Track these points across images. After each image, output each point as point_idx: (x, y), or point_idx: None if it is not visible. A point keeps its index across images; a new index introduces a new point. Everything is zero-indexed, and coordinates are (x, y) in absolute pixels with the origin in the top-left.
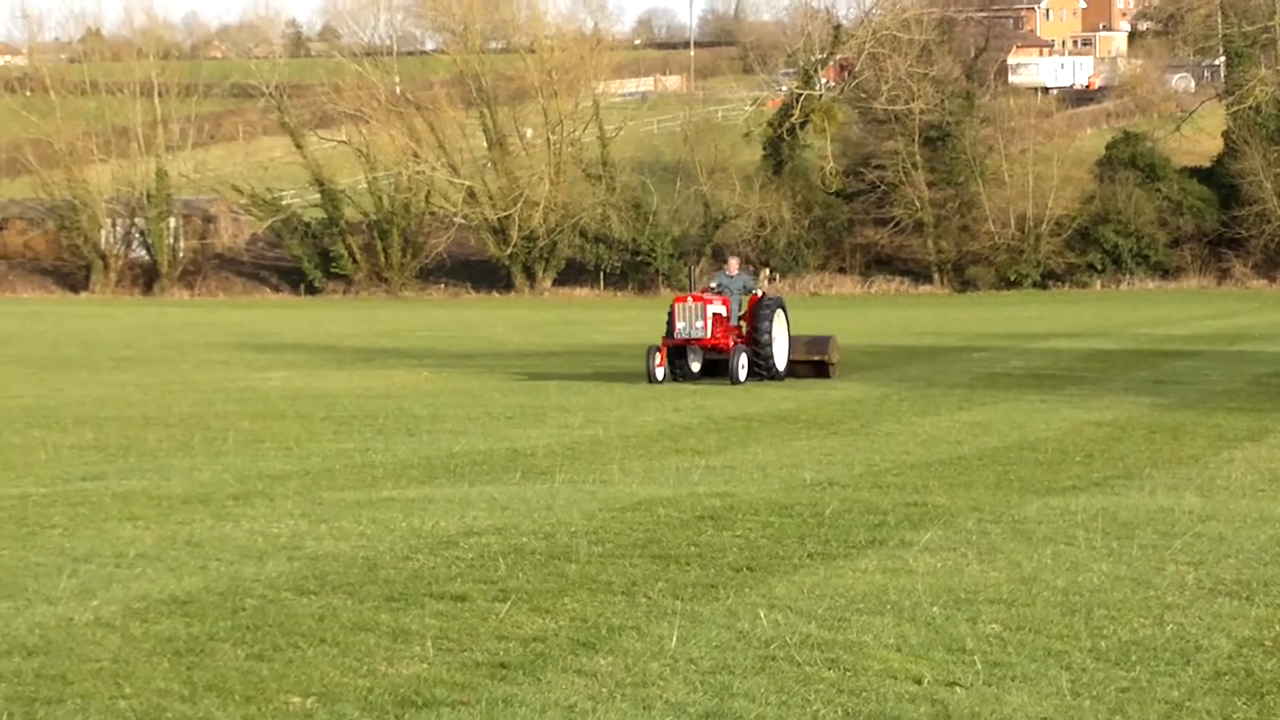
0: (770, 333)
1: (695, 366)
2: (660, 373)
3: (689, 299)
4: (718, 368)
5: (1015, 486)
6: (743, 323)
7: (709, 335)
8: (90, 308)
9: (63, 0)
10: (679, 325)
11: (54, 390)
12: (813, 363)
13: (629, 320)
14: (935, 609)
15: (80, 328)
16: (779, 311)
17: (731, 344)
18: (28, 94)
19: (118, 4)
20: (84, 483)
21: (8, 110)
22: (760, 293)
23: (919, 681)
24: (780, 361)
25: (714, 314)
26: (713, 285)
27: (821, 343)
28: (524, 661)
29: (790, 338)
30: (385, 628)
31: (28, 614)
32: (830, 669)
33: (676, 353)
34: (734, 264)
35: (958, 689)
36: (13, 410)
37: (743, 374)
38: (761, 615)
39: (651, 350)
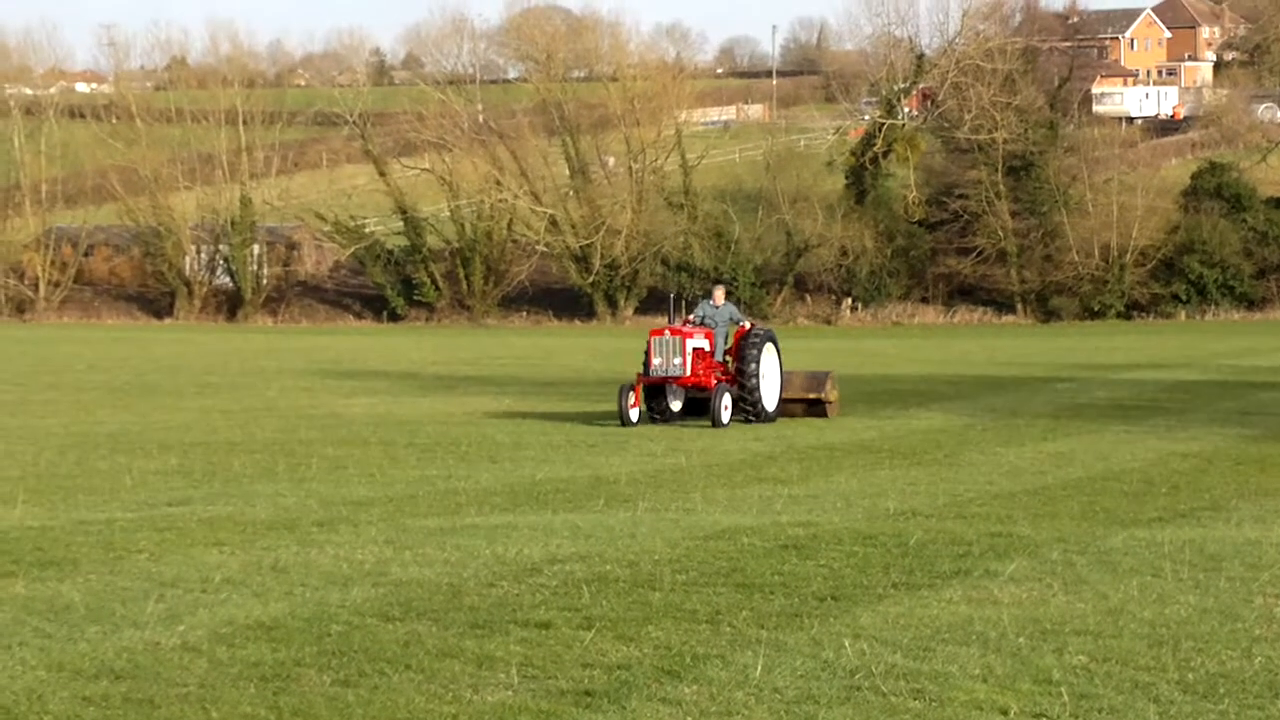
0: (758, 370)
1: (676, 406)
2: (635, 414)
3: (666, 332)
4: (702, 406)
5: (1101, 518)
6: (729, 358)
7: (688, 373)
8: (174, 334)
9: (149, 29)
10: (655, 361)
11: (139, 416)
12: (808, 401)
13: None
14: (1021, 640)
15: (165, 354)
16: (769, 345)
17: (714, 382)
18: (114, 121)
19: (203, 32)
20: (170, 508)
21: (94, 137)
22: (748, 324)
23: (1005, 713)
24: (770, 401)
25: (695, 349)
26: (691, 318)
27: (818, 379)
28: (609, 689)
29: (783, 374)
30: (470, 655)
31: (115, 638)
32: (916, 699)
33: (655, 391)
34: (719, 293)
35: None
36: (98, 436)
37: (726, 415)
38: (846, 645)
39: (624, 389)
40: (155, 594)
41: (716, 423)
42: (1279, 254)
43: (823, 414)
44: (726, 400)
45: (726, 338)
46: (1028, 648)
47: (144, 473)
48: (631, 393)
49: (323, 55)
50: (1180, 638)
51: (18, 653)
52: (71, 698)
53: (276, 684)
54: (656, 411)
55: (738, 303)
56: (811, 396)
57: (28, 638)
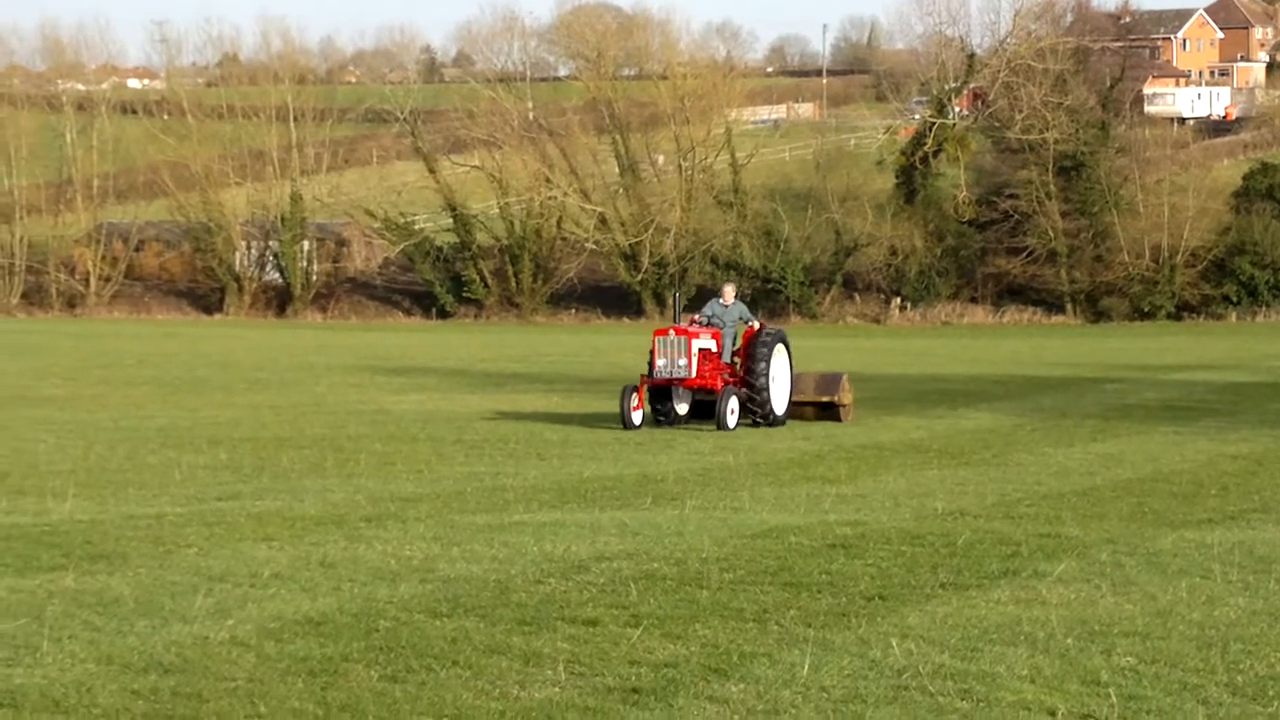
0: (767, 371)
1: (682, 409)
2: (637, 416)
3: (671, 332)
4: (709, 410)
5: (1149, 519)
6: (737, 359)
7: (694, 374)
8: (224, 329)
9: (201, 25)
10: (659, 363)
11: (188, 411)
12: (820, 404)
13: None
14: (1069, 641)
15: (214, 349)
16: (779, 346)
17: (721, 384)
18: (165, 117)
19: (255, 29)
20: (219, 503)
21: (146, 133)
22: (757, 324)
23: (1053, 714)
24: (779, 405)
25: (701, 349)
26: (698, 317)
27: (831, 381)
28: (656, 687)
29: (794, 376)
30: (517, 651)
31: (164, 632)
32: (963, 700)
33: (661, 394)
34: (729, 292)
35: None
36: (148, 431)
37: (732, 420)
38: (894, 644)
39: (627, 390)
40: (204, 588)
41: (722, 426)
42: None
43: (836, 418)
44: (733, 403)
45: (735, 338)
46: (1076, 649)
47: (193, 467)
48: (634, 394)
49: (374, 52)
50: (1229, 640)
51: (67, 645)
52: (120, 691)
53: (324, 679)
54: (662, 414)
55: (751, 302)
56: (824, 400)
57: (77, 631)
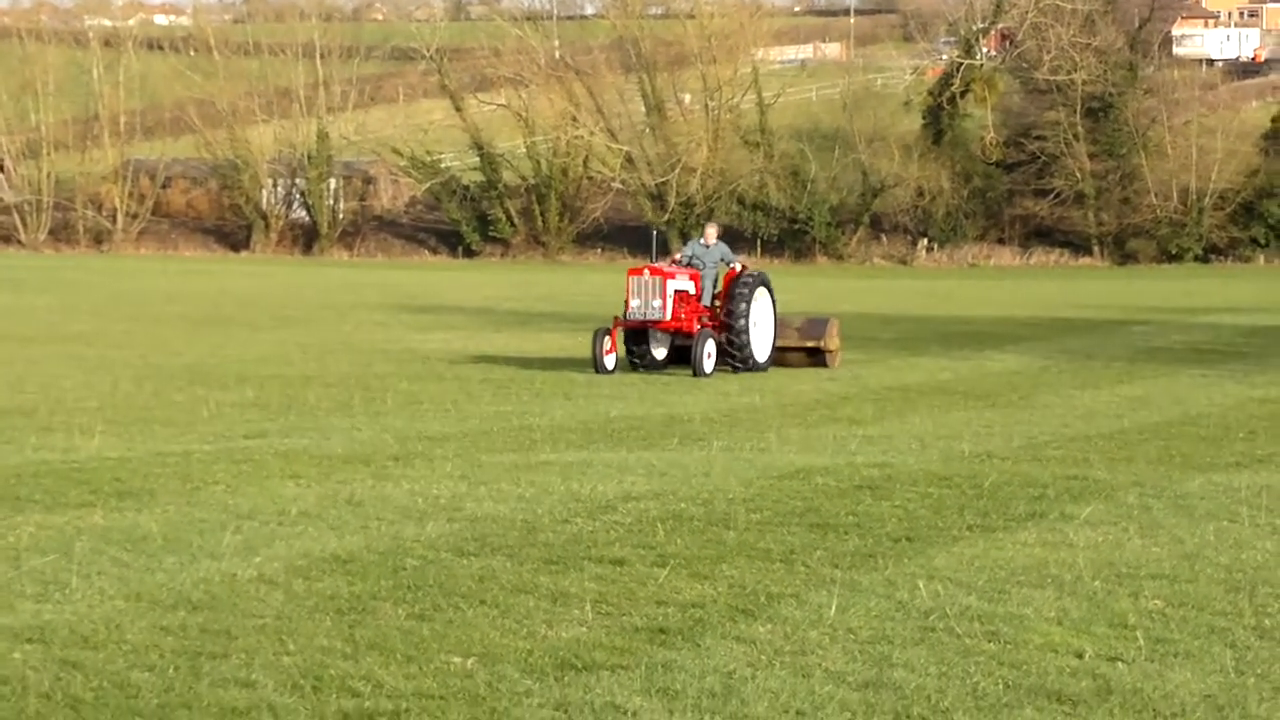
0: (747, 314)
1: (660, 354)
2: (611, 360)
3: (645, 271)
4: (688, 355)
5: (1177, 462)
6: (718, 303)
7: (668, 317)
8: (251, 267)
9: None
10: (633, 303)
11: (215, 348)
12: (807, 350)
13: (785, 289)
14: (1096, 583)
15: (241, 287)
16: (761, 289)
17: (697, 328)
18: (192, 54)
19: None
20: (246, 440)
21: (172, 70)
22: (739, 266)
23: (1080, 656)
24: (761, 351)
25: (676, 291)
26: (678, 257)
27: (817, 326)
28: (683, 627)
29: (777, 320)
30: (544, 590)
31: (193, 569)
32: (990, 641)
33: (637, 337)
34: (711, 232)
35: (1120, 664)
36: (175, 368)
37: (708, 364)
38: (921, 586)
39: (599, 333)
40: (232, 526)
41: (698, 372)
42: None
43: (822, 364)
44: (710, 347)
45: (716, 280)
46: (1103, 591)
47: (220, 405)
48: (607, 337)
49: None
50: (1257, 583)
51: (96, 582)
52: (149, 627)
53: (352, 617)
54: (637, 357)
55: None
56: (810, 345)
57: (106, 567)
